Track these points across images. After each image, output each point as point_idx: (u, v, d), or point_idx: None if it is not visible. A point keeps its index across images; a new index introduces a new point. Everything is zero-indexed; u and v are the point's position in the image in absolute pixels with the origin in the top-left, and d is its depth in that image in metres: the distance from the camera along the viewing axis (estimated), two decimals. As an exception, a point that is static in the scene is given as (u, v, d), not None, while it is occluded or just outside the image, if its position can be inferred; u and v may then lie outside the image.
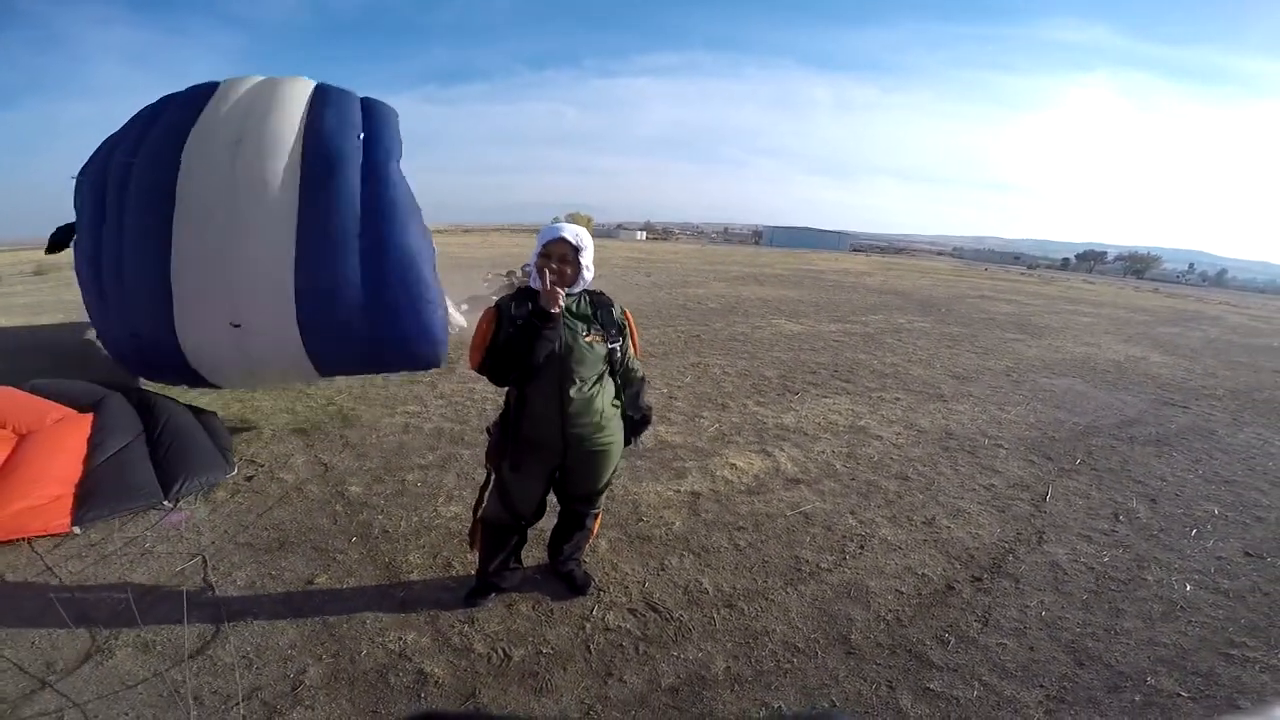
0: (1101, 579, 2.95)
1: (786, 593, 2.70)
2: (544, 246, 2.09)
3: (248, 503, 3.29)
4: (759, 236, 76.02)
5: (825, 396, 5.61)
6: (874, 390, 5.93)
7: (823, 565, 2.94)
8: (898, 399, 5.69)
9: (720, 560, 2.93)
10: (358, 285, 3.43)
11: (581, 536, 2.59)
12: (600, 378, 2.21)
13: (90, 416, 3.54)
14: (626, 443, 2.42)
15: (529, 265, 2.17)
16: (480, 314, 2.17)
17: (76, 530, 2.90)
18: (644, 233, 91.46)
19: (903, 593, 2.76)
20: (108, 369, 5.57)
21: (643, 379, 2.42)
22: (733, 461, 4.01)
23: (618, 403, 2.32)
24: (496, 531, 2.40)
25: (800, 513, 3.42)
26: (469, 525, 2.48)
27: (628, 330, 2.30)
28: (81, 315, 4.16)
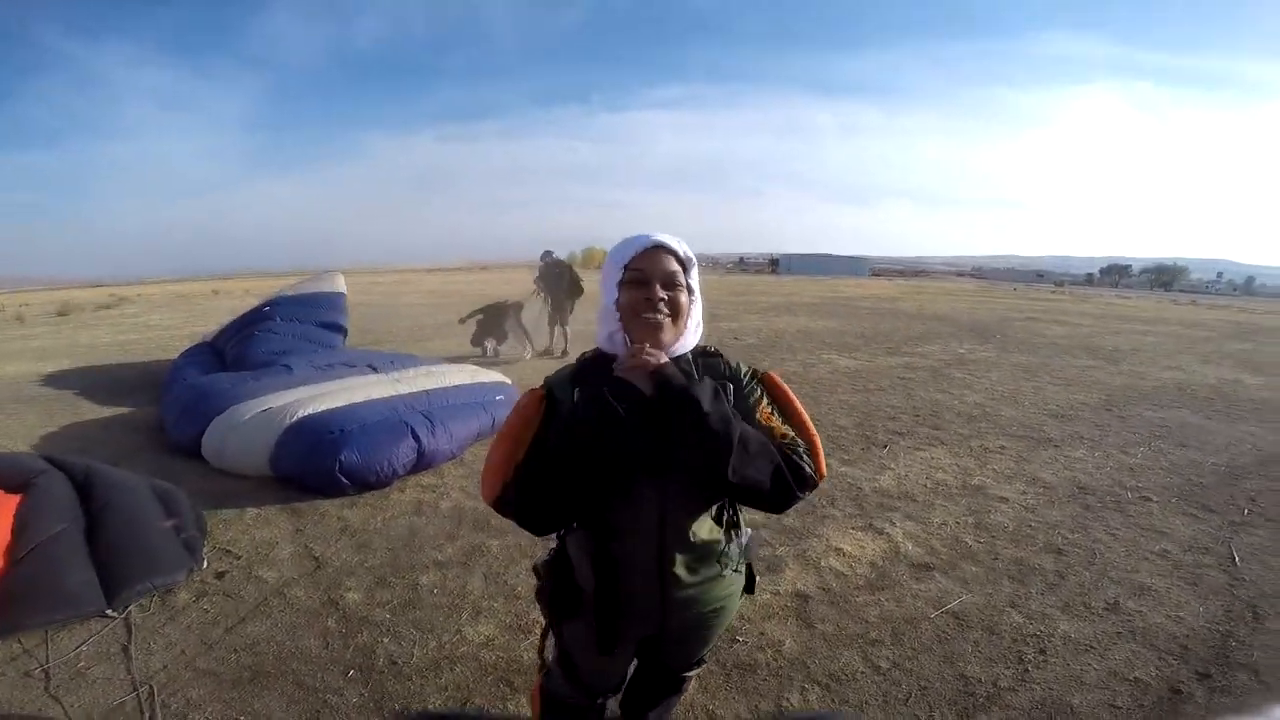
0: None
1: (967, 733, 1.97)
2: (630, 266, 1.19)
3: (216, 611, 2.61)
4: (775, 265, 75.59)
5: (918, 449, 4.82)
6: (970, 438, 5.12)
7: (1001, 684, 2.21)
8: (1003, 447, 4.88)
9: (860, 692, 2.18)
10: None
11: (673, 700, 1.74)
12: (722, 504, 1.29)
13: (17, 499, 2.83)
14: (748, 588, 1.45)
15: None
16: (514, 405, 1.26)
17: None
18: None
19: (1119, 707, 2.11)
20: (92, 433, 5.10)
21: (813, 472, 1.21)
22: (837, 545, 3.24)
23: (740, 540, 1.35)
24: (562, 710, 1.59)
25: (948, 612, 2.65)
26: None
27: (774, 400, 1.27)
28: (88, 361, 3.77)
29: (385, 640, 2.44)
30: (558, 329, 9.17)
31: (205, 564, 2.96)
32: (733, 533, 1.32)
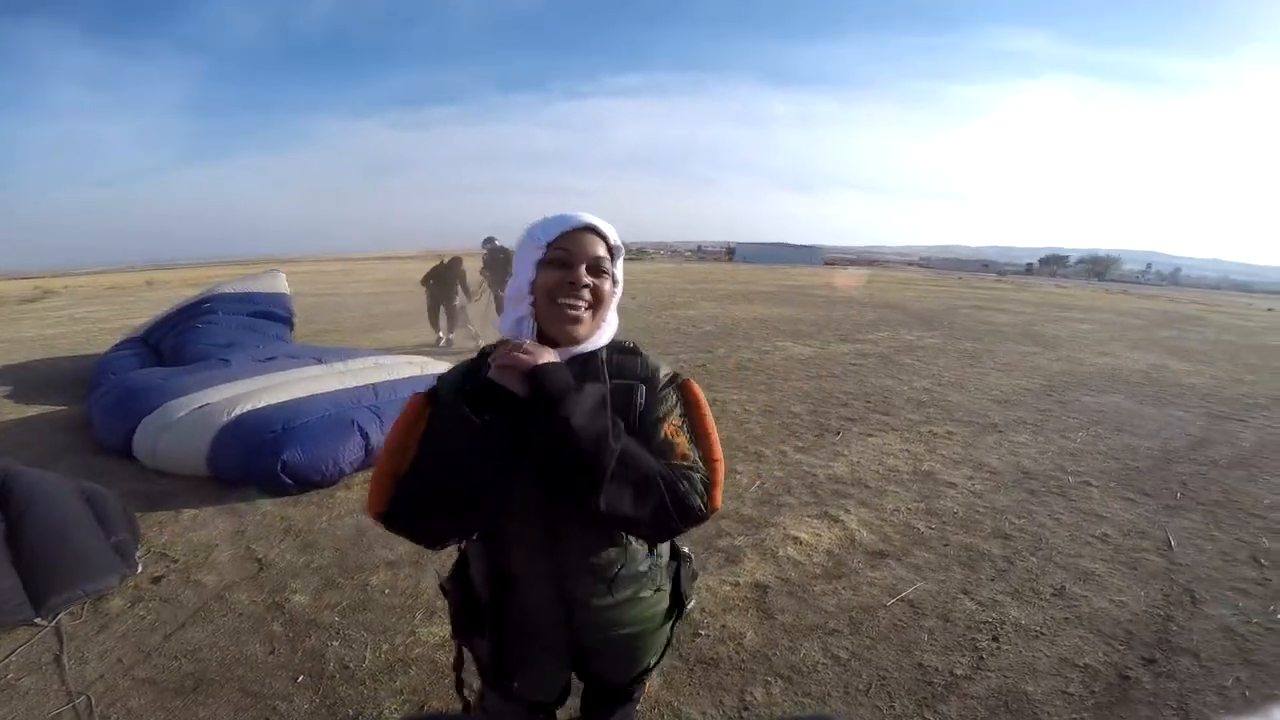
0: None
1: (925, 719, 2.00)
2: (554, 245, 1.05)
3: (153, 617, 2.48)
4: (731, 253, 76.17)
5: (870, 434, 4.87)
6: (920, 423, 5.21)
7: (958, 672, 2.23)
8: (950, 433, 4.98)
9: (821, 683, 2.17)
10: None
11: (629, 708, 1.51)
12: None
13: None
14: (674, 611, 1.29)
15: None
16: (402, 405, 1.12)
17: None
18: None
19: (1072, 694, 2.14)
20: (14, 433, 4.72)
21: (703, 505, 1.05)
22: (794, 533, 3.23)
23: (660, 558, 1.23)
24: None
25: (903, 600, 2.67)
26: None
27: (686, 413, 1.11)
28: (10, 357, 3.42)
29: (335, 644, 2.34)
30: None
31: (139, 569, 2.82)
32: (654, 552, 1.20)
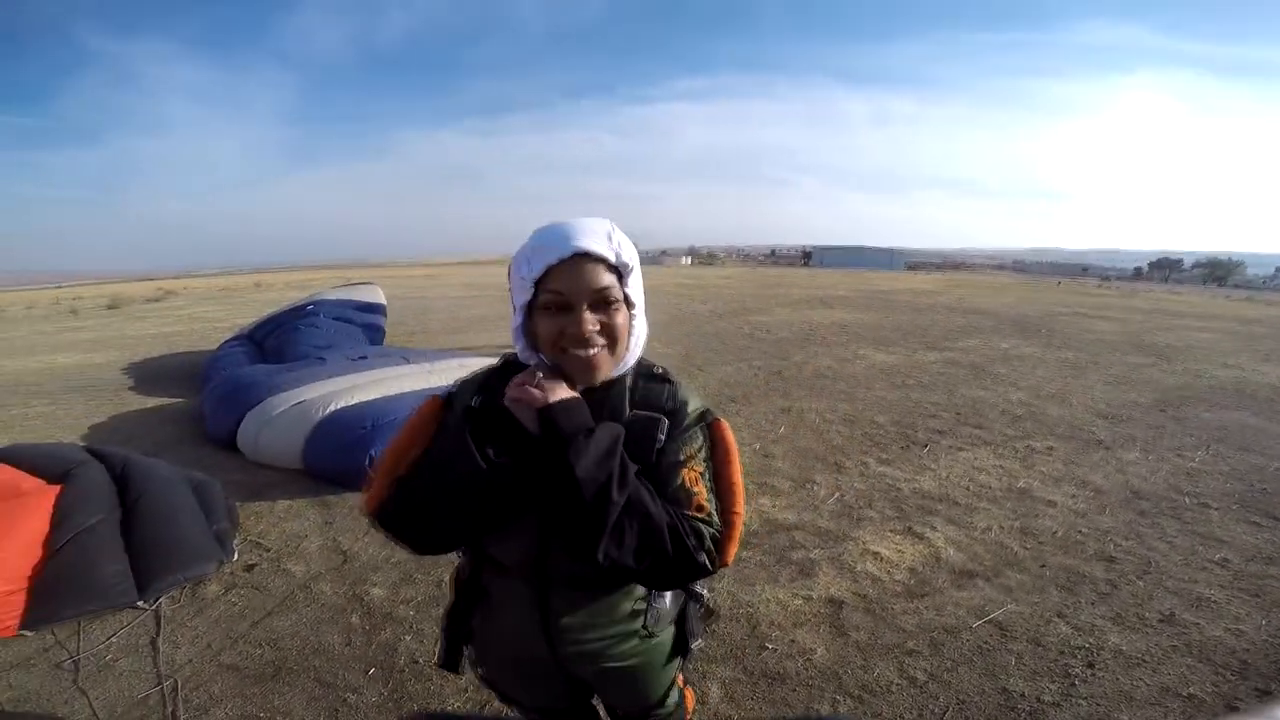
0: None
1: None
2: (545, 286, 0.93)
3: (243, 604, 2.66)
4: (808, 257, 74.52)
5: (960, 449, 4.65)
6: (1016, 438, 4.92)
7: (1045, 699, 2.11)
8: (1050, 449, 4.68)
9: (894, 705, 2.10)
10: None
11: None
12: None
13: (58, 489, 2.89)
14: (679, 650, 1.21)
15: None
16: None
17: (26, 634, 2.34)
18: (689, 258, 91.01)
19: None
20: (135, 423, 5.26)
21: (710, 563, 0.96)
22: (874, 549, 3.13)
23: (659, 598, 1.14)
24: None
25: (990, 622, 2.54)
26: None
27: (711, 458, 1.03)
28: (135, 353, 3.93)
29: (407, 638, 2.44)
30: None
31: (235, 556, 3.00)
32: (651, 593, 1.12)
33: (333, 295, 7.81)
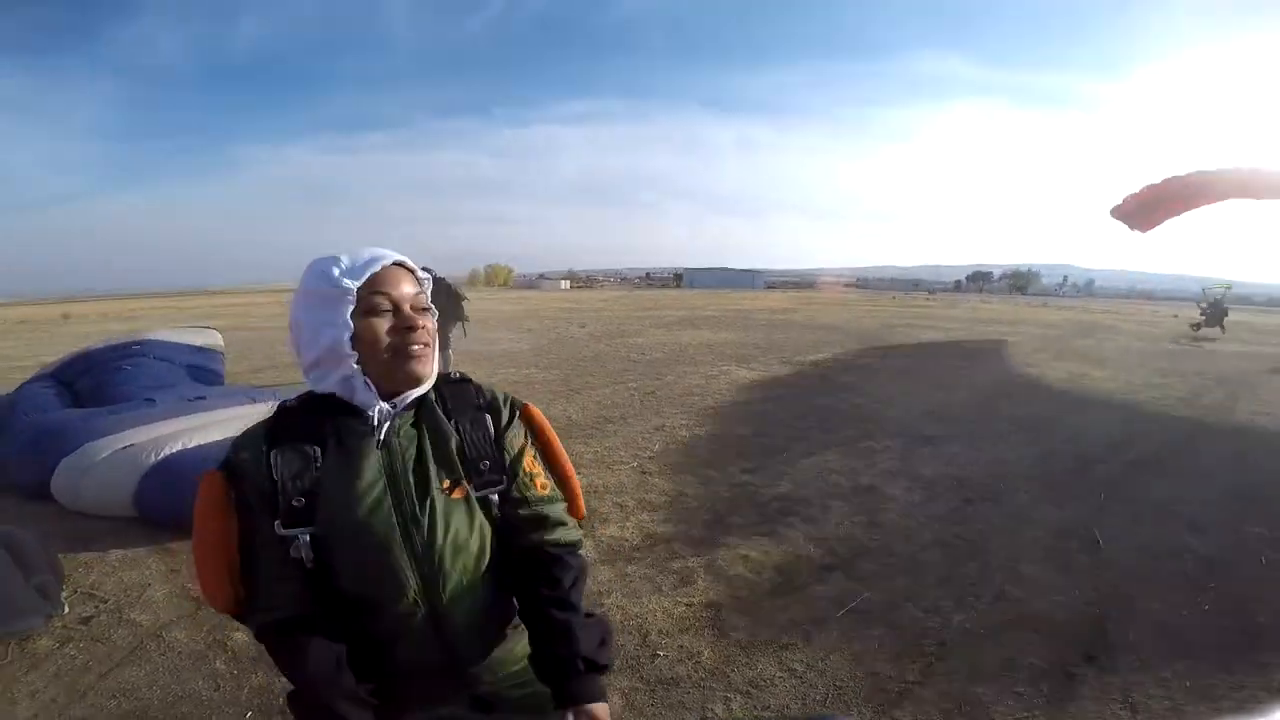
0: (1223, 633, 2.54)
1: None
2: (370, 290, 0.94)
3: (85, 656, 2.40)
4: (679, 279, 77.58)
5: (813, 453, 5.02)
6: (859, 440, 5.41)
7: (909, 678, 2.31)
8: (887, 446, 5.20)
9: (780, 697, 2.22)
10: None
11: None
12: (484, 568, 0.99)
13: None
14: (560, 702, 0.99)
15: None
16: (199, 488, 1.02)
17: None
18: (567, 282, 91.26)
19: (1021, 693, 2.22)
20: None
21: (577, 562, 1.04)
22: (743, 552, 3.30)
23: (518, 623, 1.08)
24: None
25: (851, 611, 2.75)
26: None
27: (524, 445, 1.06)
28: None
29: (283, 680, 2.24)
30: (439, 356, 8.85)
31: (66, 609, 2.71)
32: (489, 601, 1.04)
33: (163, 336, 6.95)
